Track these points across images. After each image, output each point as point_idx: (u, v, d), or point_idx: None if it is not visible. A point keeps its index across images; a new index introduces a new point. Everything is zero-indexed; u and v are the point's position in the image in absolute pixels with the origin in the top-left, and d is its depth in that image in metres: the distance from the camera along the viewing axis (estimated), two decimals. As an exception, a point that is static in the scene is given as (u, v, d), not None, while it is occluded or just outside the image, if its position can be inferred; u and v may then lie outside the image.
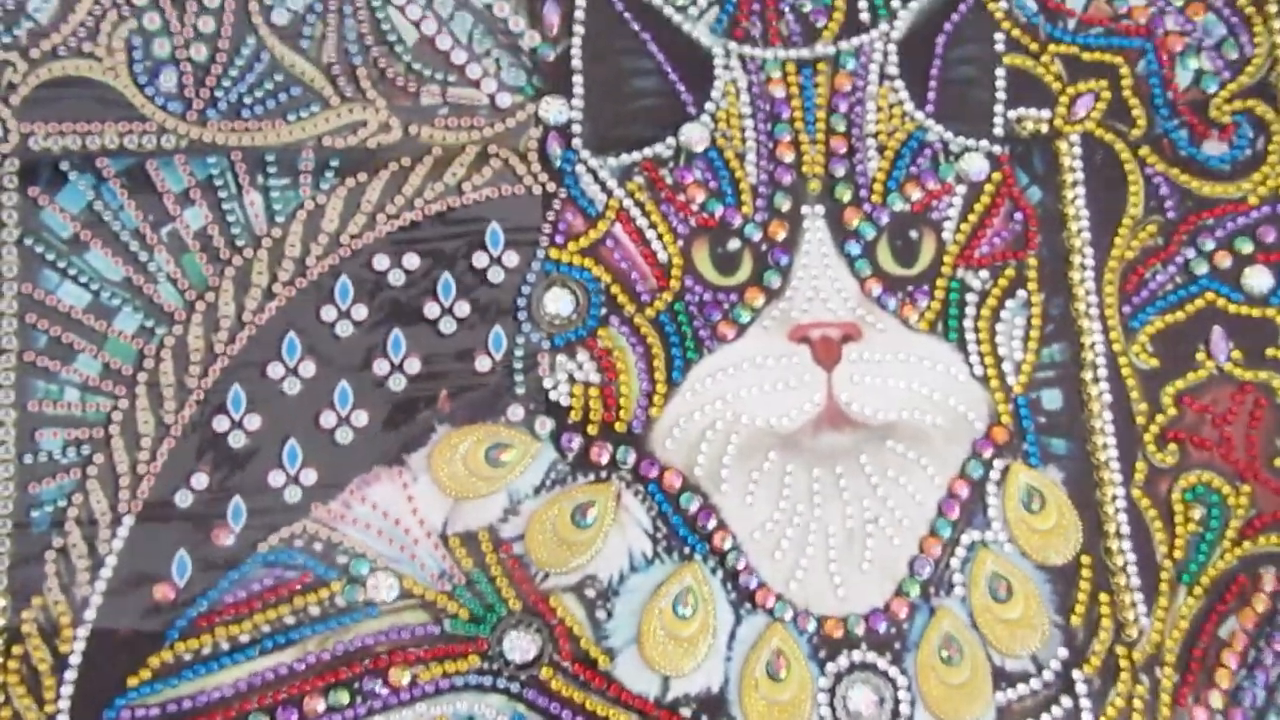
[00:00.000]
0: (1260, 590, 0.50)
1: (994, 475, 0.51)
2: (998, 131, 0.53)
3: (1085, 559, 0.50)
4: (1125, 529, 0.51)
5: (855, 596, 0.49)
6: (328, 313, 0.50)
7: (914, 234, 0.52)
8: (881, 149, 0.52)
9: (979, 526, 0.50)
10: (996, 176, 0.53)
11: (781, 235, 0.51)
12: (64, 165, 0.50)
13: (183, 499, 0.48)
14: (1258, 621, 0.50)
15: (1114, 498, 0.51)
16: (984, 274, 0.52)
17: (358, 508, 0.49)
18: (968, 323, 0.52)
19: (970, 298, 0.52)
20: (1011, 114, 0.53)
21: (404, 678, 0.47)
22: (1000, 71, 0.54)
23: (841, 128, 0.52)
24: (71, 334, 0.49)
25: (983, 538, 0.50)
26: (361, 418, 0.49)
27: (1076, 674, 0.49)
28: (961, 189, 0.53)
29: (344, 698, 0.47)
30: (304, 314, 0.49)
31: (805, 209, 0.51)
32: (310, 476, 0.49)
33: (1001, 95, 0.54)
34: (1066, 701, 0.48)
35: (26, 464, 0.47)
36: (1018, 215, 0.53)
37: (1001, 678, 0.48)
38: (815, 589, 0.49)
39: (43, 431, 0.48)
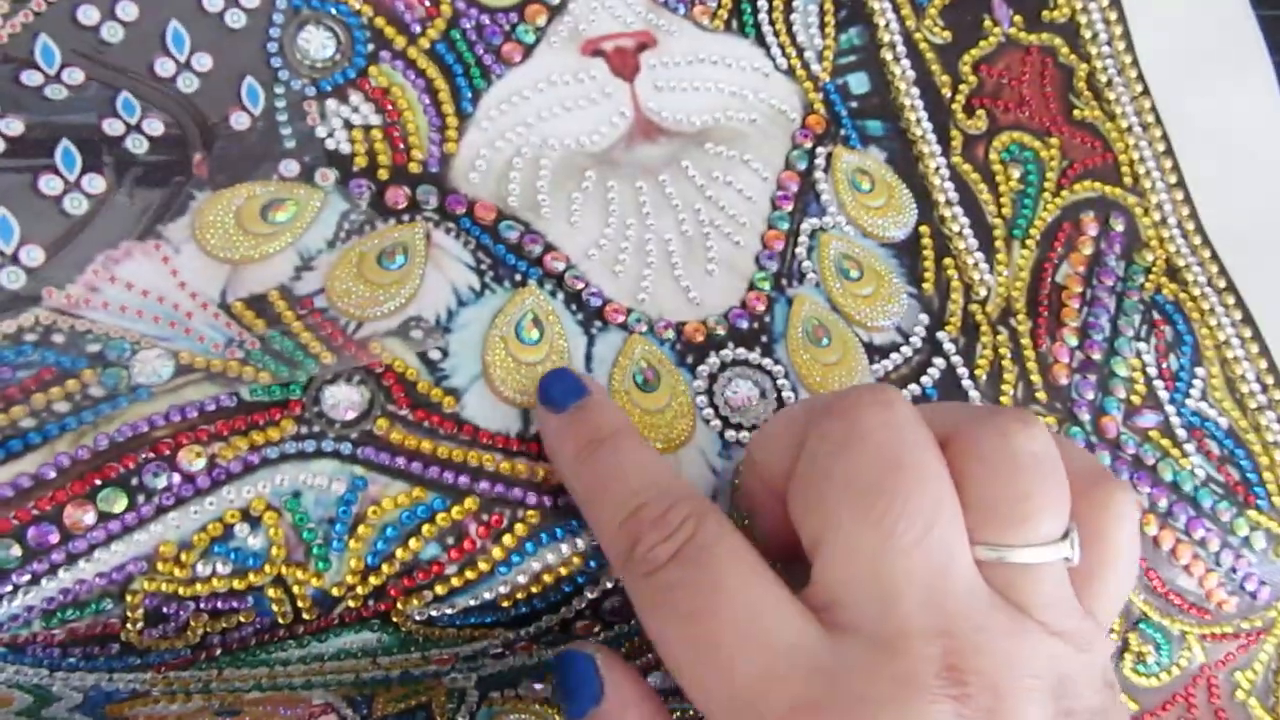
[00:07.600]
0: (1083, 234, 0.51)
1: (819, 163, 0.49)
2: None
3: (923, 229, 0.49)
4: (953, 195, 0.50)
5: (709, 299, 0.45)
6: (30, 77, 0.40)
7: (691, -70, 0.50)
8: None
9: (815, 214, 0.48)
10: None
11: (553, -56, 0.48)
12: None
13: None
14: (1086, 262, 0.51)
15: (937, 168, 0.50)
16: None
17: (107, 290, 0.39)
18: (762, 16, 0.50)
19: (760, -8, 0.51)
20: None
21: (198, 461, 0.38)
22: None
23: None
24: None
25: (821, 224, 0.48)
26: (96, 183, 0.40)
27: (941, 335, 0.48)
28: None
29: (119, 500, 0.37)
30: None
31: (571, -87, 0.48)
32: (35, 256, 0.39)
33: None
34: (939, 362, 0.47)
35: None
36: None
37: (873, 351, 0.47)
38: (666, 297, 0.45)
39: None
